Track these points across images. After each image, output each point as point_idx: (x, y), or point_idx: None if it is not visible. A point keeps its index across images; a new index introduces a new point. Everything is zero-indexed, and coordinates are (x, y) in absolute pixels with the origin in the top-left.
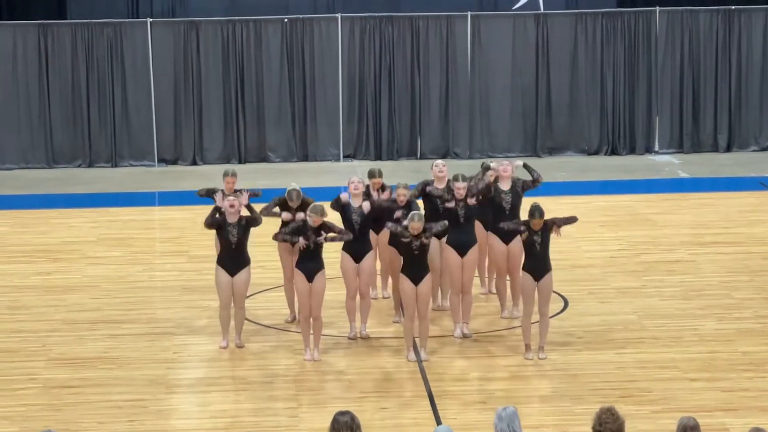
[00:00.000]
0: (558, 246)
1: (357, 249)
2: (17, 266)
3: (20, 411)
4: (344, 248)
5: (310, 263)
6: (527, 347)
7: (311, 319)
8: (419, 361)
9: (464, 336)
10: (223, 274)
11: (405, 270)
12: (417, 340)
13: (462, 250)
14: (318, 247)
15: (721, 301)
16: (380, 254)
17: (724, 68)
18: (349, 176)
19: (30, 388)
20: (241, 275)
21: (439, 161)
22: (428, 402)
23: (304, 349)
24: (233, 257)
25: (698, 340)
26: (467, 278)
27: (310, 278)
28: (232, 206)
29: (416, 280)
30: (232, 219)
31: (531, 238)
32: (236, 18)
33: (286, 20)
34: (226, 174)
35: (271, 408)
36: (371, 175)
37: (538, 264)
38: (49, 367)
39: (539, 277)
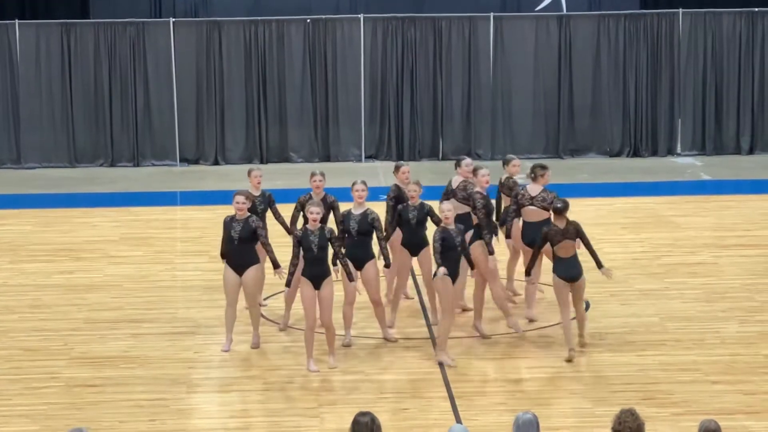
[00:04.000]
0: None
1: (357, 256)
2: (40, 265)
3: (42, 409)
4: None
5: (316, 270)
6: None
7: (324, 328)
8: (440, 366)
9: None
10: (230, 273)
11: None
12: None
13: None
14: (324, 254)
15: (744, 303)
16: (393, 257)
17: (747, 70)
18: (353, 180)
19: (52, 387)
20: (249, 273)
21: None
22: (449, 404)
23: (307, 360)
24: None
25: (720, 342)
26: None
27: (317, 286)
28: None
29: (455, 278)
30: (239, 216)
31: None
32: (259, 18)
33: (308, 20)
34: (250, 171)
35: (292, 408)
36: (397, 168)
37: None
38: (71, 365)
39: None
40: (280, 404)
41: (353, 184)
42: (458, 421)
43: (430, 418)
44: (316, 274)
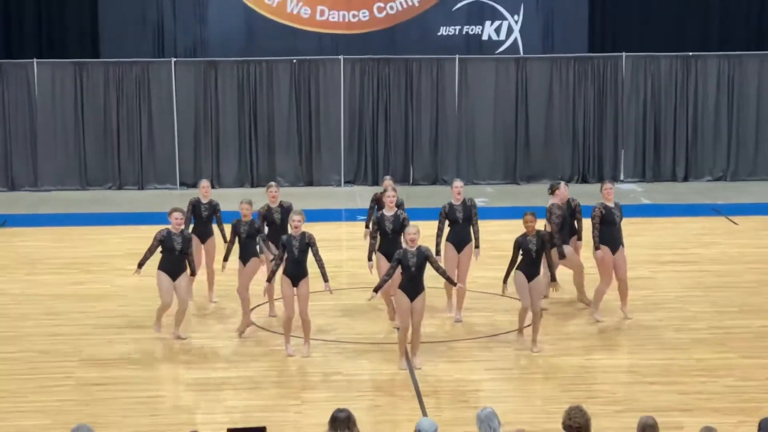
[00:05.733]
0: None
1: (295, 273)
2: (54, 277)
3: (55, 405)
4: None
5: (296, 270)
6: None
7: (301, 320)
8: (410, 366)
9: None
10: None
11: (402, 287)
12: (408, 347)
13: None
14: (303, 257)
15: (678, 313)
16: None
17: (682, 107)
18: (384, 188)
19: (64, 385)
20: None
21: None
22: (417, 401)
23: (286, 345)
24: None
25: (657, 348)
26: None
27: (295, 284)
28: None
29: (413, 296)
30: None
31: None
32: (250, 58)
33: (294, 61)
34: (269, 187)
35: (277, 405)
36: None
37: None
38: (81, 366)
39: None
40: (266, 401)
41: (384, 190)
42: (425, 416)
43: (400, 413)
44: (296, 274)
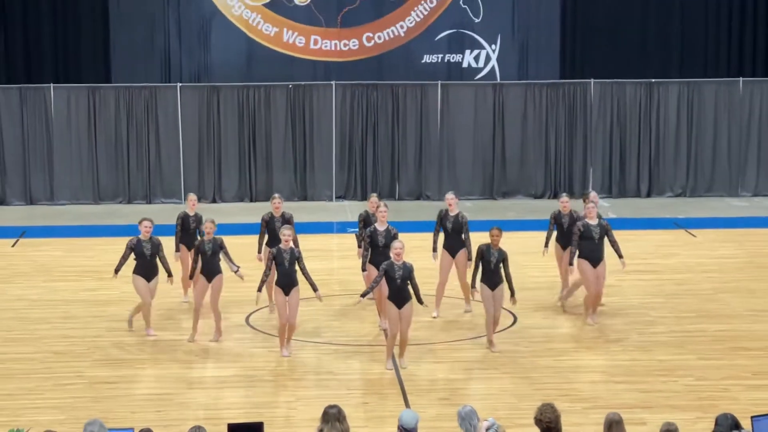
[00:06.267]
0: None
1: (287, 283)
2: (69, 284)
3: (68, 402)
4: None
5: (287, 281)
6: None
7: (288, 324)
8: (396, 367)
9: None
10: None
11: (390, 297)
12: (397, 349)
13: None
14: (293, 268)
15: (641, 318)
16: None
17: (646, 128)
18: (378, 204)
19: (77, 383)
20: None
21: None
22: (402, 398)
23: (281, 348)
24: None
25: (622, 349)
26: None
27: (287, 293)
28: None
29: (400, 305)
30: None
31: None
32: (250, 84)
33: (290, 86)
34: (273, 198)
35: (274, 402)
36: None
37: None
38: (93, 366)
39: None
40: (264, 398)
41: (378, 207)
42: None
43: (387, 409)
44: (287, 284)
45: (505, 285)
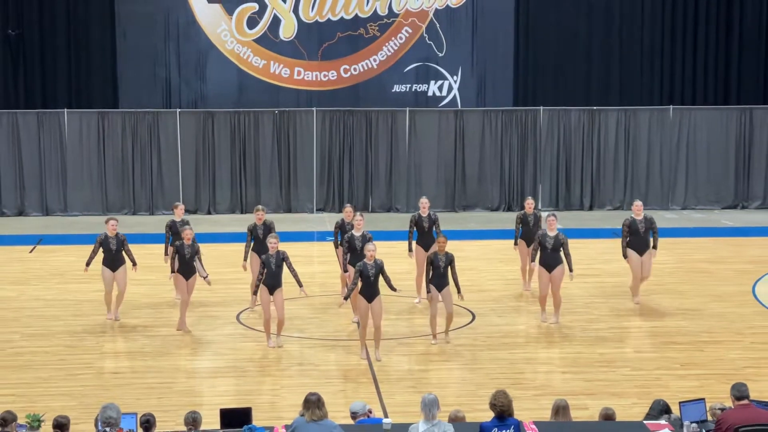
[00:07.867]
0: (467, 275)
1: (272, 284)
2: (80, 285)
3: (79, 390)
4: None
5: (272, 282)
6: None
7: (277, 320)
8: (368, 358)
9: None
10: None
11: (361, 292)
12: (371, 343)
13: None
14: (279, 271)
15: (585, 316)
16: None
17: (588, 150)
18: (355, 215)
19: (86, 374)
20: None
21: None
22: (374, 387)
23: (267, 339)
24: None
25: (568, 344)
26: None
27: (271, 292)
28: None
29: (370, 299)
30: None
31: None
32: (241, 109)
33: (276, 111)
34: (257, 210)
35: (259, 389)
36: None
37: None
38: (101, 358)
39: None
40: (252, 386)
41: (354, 216)
42: (380, 399)
43: (360, 396)
44: (272, 284)
45: (452, 284)
